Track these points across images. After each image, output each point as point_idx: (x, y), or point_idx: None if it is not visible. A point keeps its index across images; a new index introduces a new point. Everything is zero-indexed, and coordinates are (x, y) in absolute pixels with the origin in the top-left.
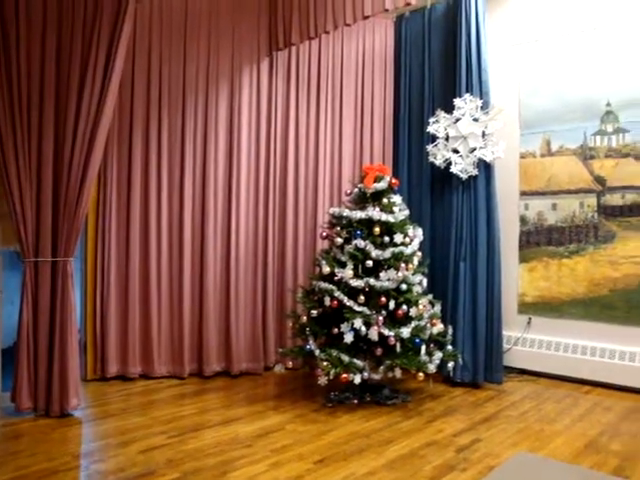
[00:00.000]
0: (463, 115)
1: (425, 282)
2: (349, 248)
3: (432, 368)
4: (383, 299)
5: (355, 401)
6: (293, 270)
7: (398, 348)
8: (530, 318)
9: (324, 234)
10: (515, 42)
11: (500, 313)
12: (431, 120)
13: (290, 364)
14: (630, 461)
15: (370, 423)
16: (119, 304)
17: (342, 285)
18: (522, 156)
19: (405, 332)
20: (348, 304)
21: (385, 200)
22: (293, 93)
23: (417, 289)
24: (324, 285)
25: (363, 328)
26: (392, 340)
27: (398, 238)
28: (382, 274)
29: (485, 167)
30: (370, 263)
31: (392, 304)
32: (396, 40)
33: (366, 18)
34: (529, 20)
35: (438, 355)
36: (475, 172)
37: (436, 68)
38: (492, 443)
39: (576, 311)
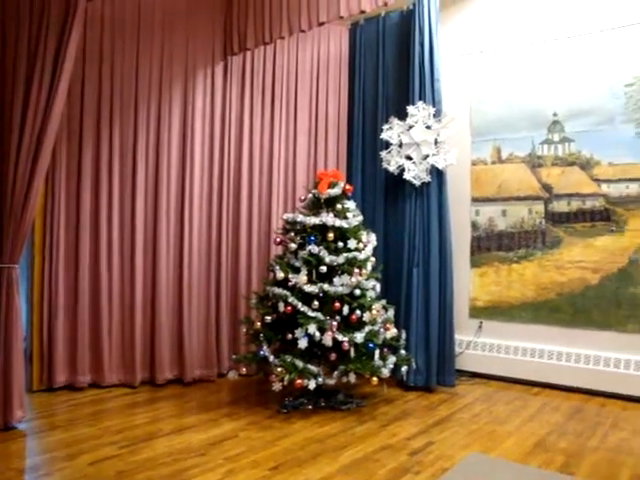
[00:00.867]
0: (416, 122)
1: (378, 287)
2: (303, 254)
3: (386, 372)
4: (337, 304)
5: (310, 407)
6: (247, 276)
7: (352, 353)
8: (481, 322)
9: (278, 240)
10: (466, 52)
11: (452, 317)
12: (385, 127)
13: (244, 370)
14: (575, 458)
15: (325, 428)
16: (68, 311)
17: (296, 291)
18: (473, 163)
19: (359, 337)
20: (302, 310)
21: (339, 206)
22: (248, 98)
23: (371, 294)
24: (278, 291)
25: (317, 333)
26: (346, 345)
27: (352, 244)
28: (336, 279)
29: (437, 174)
30: (324, 269)
31: (346, 309)
32: (351, 47)
33: (321, 24)
34: (480, 31)
35: (392, 359)
36: (428, 179)
37: (390, 75)
38: (445, 445)
39: (525, 315)
